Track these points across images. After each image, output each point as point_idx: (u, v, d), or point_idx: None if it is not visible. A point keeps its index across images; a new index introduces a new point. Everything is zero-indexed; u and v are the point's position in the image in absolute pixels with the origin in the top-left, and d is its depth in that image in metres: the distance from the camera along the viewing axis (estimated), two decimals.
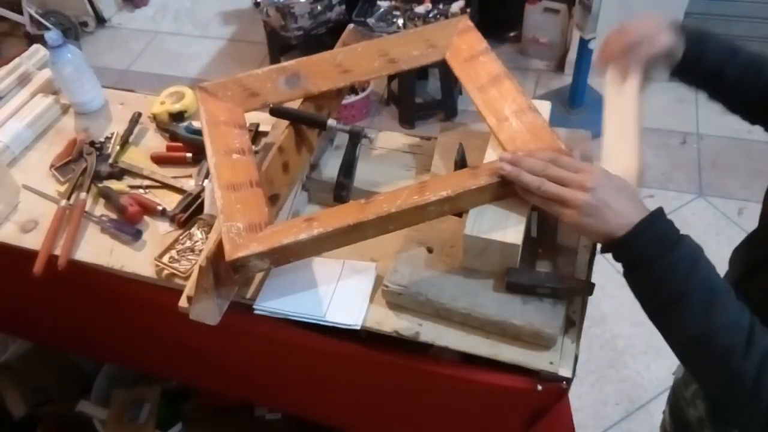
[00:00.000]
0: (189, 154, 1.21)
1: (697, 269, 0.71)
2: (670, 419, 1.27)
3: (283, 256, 0.85)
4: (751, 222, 1.11)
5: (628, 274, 0.75)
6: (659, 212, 0.74)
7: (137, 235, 1.09)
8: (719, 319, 0.70)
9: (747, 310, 0.71)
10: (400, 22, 2.73)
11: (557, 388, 0.87)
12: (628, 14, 0.92)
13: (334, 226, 0.83)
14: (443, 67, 1.22)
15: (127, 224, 1.10)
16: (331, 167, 1.18)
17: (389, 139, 1.22)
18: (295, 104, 1.07)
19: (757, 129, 0.97)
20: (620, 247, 0.74)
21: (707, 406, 1.09)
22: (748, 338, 0.69)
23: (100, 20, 3.73)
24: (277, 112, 1.06)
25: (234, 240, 0.83)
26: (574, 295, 0.91)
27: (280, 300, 0.95)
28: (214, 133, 0.97)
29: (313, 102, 1.07)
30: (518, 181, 0.81)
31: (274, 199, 0.98)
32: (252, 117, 1.22)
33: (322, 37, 2.96)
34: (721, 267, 0.81)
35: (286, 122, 1.06)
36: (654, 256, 0.72)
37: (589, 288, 0.87)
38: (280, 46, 3.16)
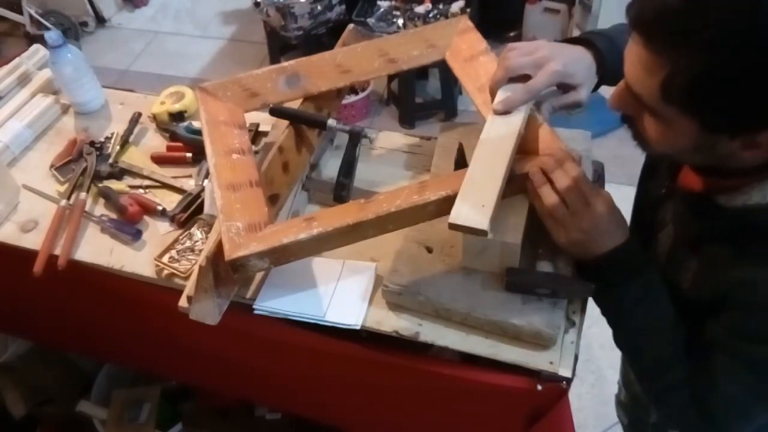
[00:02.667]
0: (189, 154, 1.21)
1: (645, 303, 0.83)
2: (624, 390, 1.34)
3: (282, 255, 0.85)
4: None
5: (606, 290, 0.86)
6: (624, 247, 0.81)
7: (137, 235, 1.09)
8: (646, 352, 0.86)
9: (678, 341, 0.84)
10: (400, 22, 2.73)
11: (557, 388, 0.87)
12: None
13: (333, 225, 0.83)
14: (443, 67, 1.22)
15: (127, 224, 1.10)
16: (331, 167, 1.18)
17: (389, 139, 1.22)
18: (295, 104, 1.07)
19: None
20: (588, 270, 0.86)
21: None
22: (663, 369, 0.84)
23: (100, 20, 3.73)
24: (277, 112, 1.06)
25: (234, 239, 0.83)
26: (574, 295, 0.91)
27: (280, 300, 0.95)
28: (214, 133, 0.96)
29: (313, 102, 1.07)
30: (540, 192, 0.82)
31: (273, 199, 0.98)
32: (252, 117, 1.22)
33: (322, 37, 2.95)
34: None
35: (286, 122, 1.06)
36: (614, 283, 0.83)
37: (589, 288, 0.87)
38: (280, 46, 3.15)
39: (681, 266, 0.83)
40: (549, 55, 0.87)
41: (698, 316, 0.81)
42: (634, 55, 0.68)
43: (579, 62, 0.89)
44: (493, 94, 0.91)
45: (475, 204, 0.79)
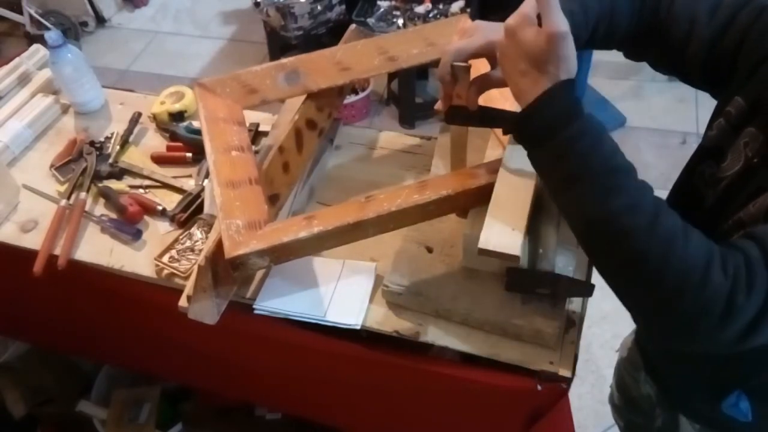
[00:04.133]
0: (189, 154, 1.21)
1: (599, 146, 0.67)
2: (618, 393, 1.30)
3: (283, 253, 0.85)
4: None
5: (530, 151, 0.72)
6: (563, 85, 0.68)
7: (137, 234, 1.09)
8: (618, 201, 0.65)
9: (650, 189, 0.67)
10: (400, 22, 2.72)
11: (557, 388, 0.87)
12: None
13: (334, 224, 0.83)
14: None
15: (127, 224, 1.10)
16: (331, 167, 1.18)
17: (389, 139, 1.22)
18: (298, 101, 1.07)
19: None
20: (523, 120, 0.70)
21: (656, 390, 1.09)
22: (651, 219, 0.64)
23: (100, 20, 3.73)
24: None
25: (233, 237, 0.83)
26: (574, 295, 0.91)
27: (280, 300, 0.95)
28: (213, 129, 0.96)
29: (314, 101, 1.07)
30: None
31: (273, 199, 0.98)
32: (252, 117, 1.22)
33: (322, 37, 2.95)
34: None
35: (286, 122, 1.06)
36: (553, 131, 0.67)
37: (589, 288, 0.87)
38: (280, 46, 3.15)
39: None
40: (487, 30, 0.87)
41: None
42: None
43: None
44: (443, 83, 0.89)
45: (504, 228, 0.78)
